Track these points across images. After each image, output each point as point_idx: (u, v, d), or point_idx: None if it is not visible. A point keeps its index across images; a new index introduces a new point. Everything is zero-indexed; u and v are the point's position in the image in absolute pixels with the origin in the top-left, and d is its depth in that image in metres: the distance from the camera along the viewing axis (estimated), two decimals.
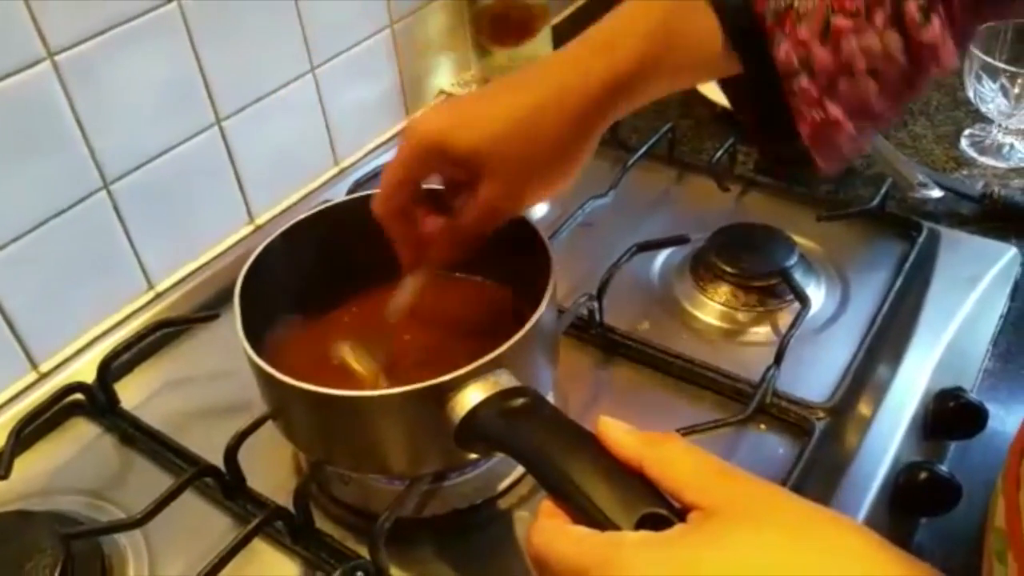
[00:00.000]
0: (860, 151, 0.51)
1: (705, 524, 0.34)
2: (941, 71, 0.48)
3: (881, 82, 0.48)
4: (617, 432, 0.40)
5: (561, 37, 1.06)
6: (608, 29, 0.51)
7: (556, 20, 1.15)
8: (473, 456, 0.55)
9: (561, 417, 0.45)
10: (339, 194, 0.87)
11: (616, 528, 0.36)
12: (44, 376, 0.74)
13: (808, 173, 0.54)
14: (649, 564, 0.33)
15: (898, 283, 0.72)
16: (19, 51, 0.66)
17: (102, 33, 0.70)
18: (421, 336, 0.64)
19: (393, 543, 0.55)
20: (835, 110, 0.48)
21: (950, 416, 0.62)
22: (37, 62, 0.67)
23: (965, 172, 0.89)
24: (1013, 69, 0.85)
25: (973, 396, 0.62)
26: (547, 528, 0.37)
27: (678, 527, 0.35)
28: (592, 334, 0.71)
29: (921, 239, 0.77)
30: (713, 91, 0.98)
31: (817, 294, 0.73)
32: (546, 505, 0.39)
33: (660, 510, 0.36)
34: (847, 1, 0.46)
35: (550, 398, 0.63)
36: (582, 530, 0.37)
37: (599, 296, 0.71)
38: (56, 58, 0.68)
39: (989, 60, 0.85)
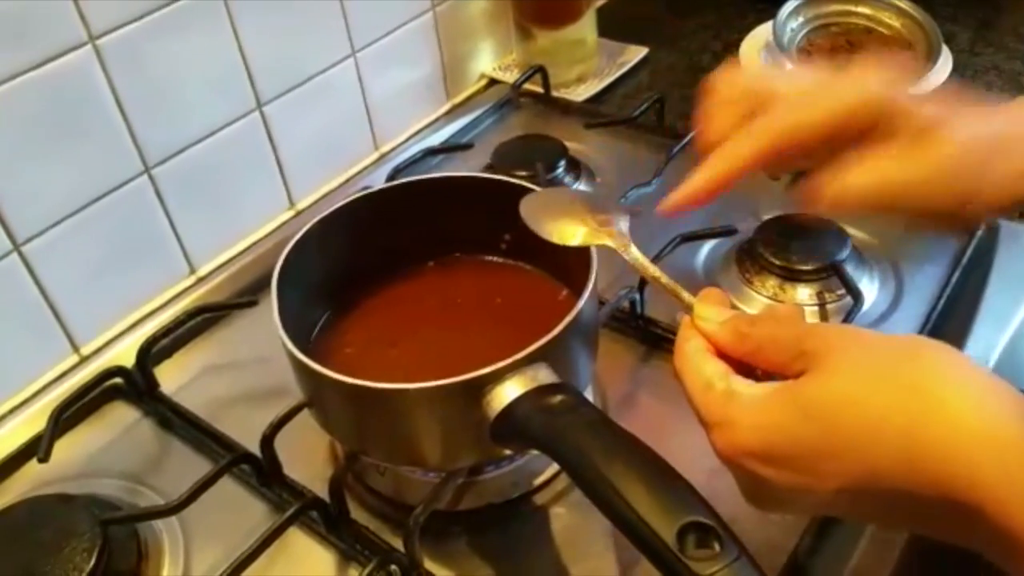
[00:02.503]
0: None
1: (800, 380, 0.38)
2: None
3: None
4: (712, 327, 0.44)
5: (605, 19, 1.04)
6: None
7: (600, 2, 1.13)
8: (509, 451, 0.54)
9: (601, 417, 0.44)
10: (379, 179, 0.86)
11: (657, 537, 0.34)
12: (85, 359, 0.75)
13: None
14: (757, 425, 0.38)
15: (954, 278, 0.70)
16: (61, 35, 0.66)
17: (144, 17, 0.70)
18: (460, 324, 0.63)
19: (428, 536, 0.54)
20: None
21: None
22: (79, 46, 0.67)
23: None
24: None
25: None
26: (684, 354, 0.43)
27: (782, 383, 0.39)
28: (633, 327, 0.70)
29: (979, 233, 0.73)
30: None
31: (870, 289, 0.71)
32: (686, 321, 0.45)
33: (702, 518, 0.34)
34: None
35: (589, 392, 0.62)
36: (708, 375, 0.41)
37: (641, 288, 0.69)
38: (98, 42, 0.68)
39: None
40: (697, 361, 0.43)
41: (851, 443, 0.36)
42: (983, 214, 0.50)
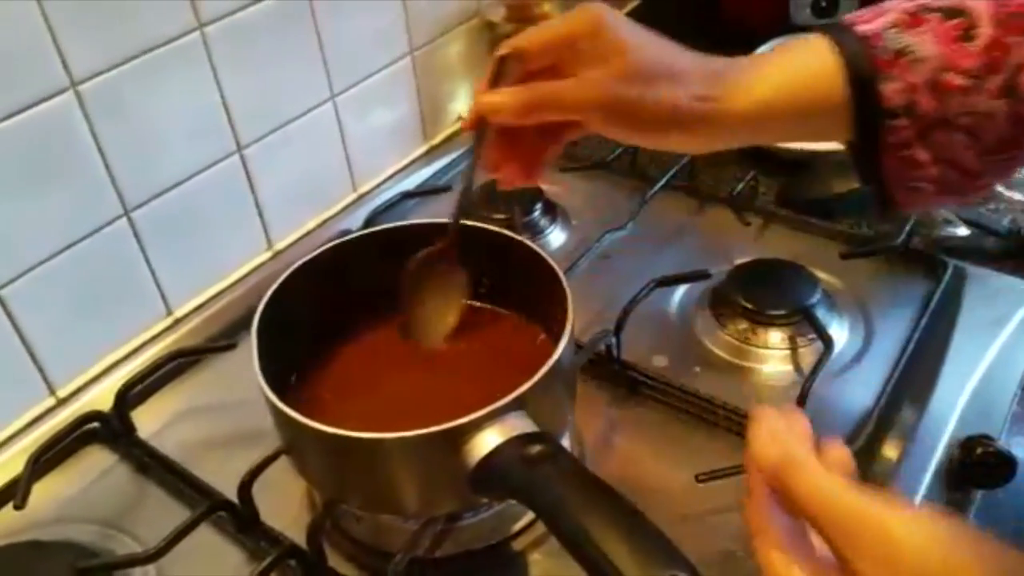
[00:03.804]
0: (951, 201, 0.51)
1: None
2: None
3: (978, 142, 0.48)
4: (760, 446, 0.40)
5: None
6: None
7: None
8: (487, 499, 0.55)
9: (579, 467, 0.44)
10: (357, 221, 0.87)
11: None
12: (62, 402, 0.74)
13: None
14: None
15: (923, 323, 0.71)
16: (43, 81, 0.66)
17: (125, 63, 0.71)
18: (439, 370, 0.63)
19: None
20: (923, 154, 0.48)
21: (977, 464, 0.60)
22: (61, 92, 0.67)
23: (992, 207, 0.87)
24: None
25: (1001, 444, 0.61)
26: (751, 520, 0.38)
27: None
28: (609, 370, 0.71)
29: (946, 277, 0.75)
30: None
31: (840, 333, 0.72)
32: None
33: (681, 573, 0.35)
34: (963, 60, 0.46)
35: (567, 437, 0.63)
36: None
37: (617, 331, 0.70)
38: (79, 88, 0.68)
39: None
40: (760, 546, 0.38)
41: None
42: (646, 134, 0.52)
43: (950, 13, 0.47)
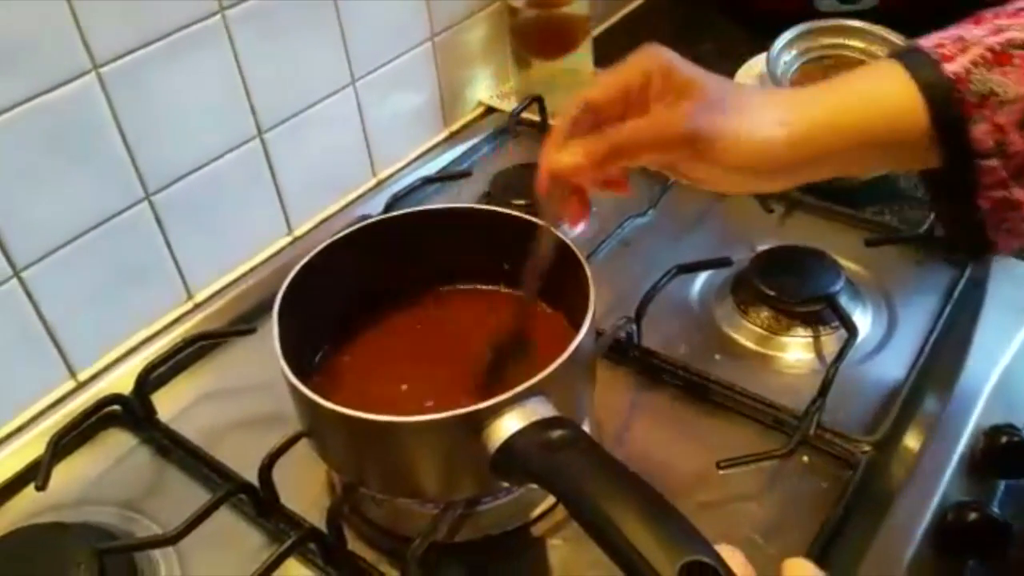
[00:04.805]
0: None
1: None
2: None
3: None
4: None
5: (602, 50, 1.05)
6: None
7: (596, 32, 1.14)
8: (508, 484, 0.55)
9: (601, 452, 0.44)
10: (377, 206, 0.87)
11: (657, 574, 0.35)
12: (82, 385, 0.75)
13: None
14: None
15: (947, 311, 0.71)
16: (65, 63, 0.66)
17: (147, 45, 0.70)
18: (459, 355, 0.63)
19: (425, 568, 0.54)
20: (1021, 193, 0.48)
21: (1001, 454, 0.60)
22: (82, 74, 0.67)
23: None
24: None
25: None
26: None
27: None
28: (629, 357, 0.70)
29: (971, 265, 0.74)
30: None
31: (863, 321, 0.72)
32: None
33: (704, 558, 0.35)
34: None
35: (586, 423, 0.62)
36: None
37: (638, 318, 0.70)
38: (101, 70, 0.68)
39: None
40: None
41: None
42: (724, 173, 0.51)
43: None
